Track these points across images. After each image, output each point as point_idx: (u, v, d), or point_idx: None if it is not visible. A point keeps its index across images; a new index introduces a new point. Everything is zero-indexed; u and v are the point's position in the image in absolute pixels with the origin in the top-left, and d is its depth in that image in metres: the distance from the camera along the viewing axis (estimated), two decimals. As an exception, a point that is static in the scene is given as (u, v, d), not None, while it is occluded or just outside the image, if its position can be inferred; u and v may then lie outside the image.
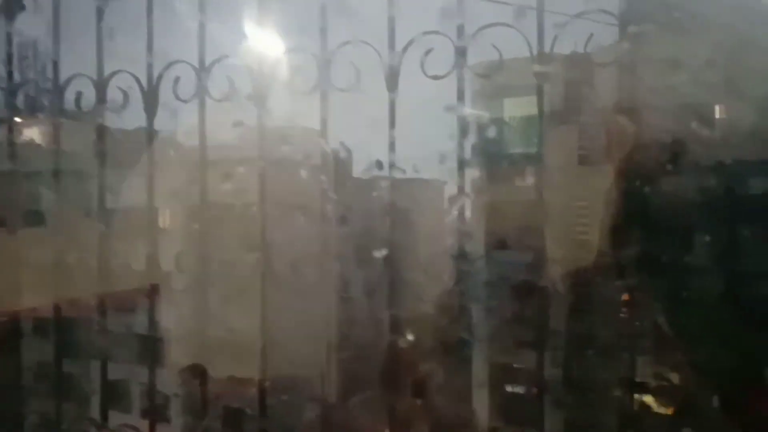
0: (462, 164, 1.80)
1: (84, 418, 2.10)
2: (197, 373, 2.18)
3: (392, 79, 1.62)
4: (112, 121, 2.13)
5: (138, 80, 1.82)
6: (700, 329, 2.34)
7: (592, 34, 1.57)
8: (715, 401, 2.19)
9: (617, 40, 2.20)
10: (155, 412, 2.04)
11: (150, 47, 1.81)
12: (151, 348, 2.02)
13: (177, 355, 2.76)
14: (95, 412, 2.20)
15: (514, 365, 5.16)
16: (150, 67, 1.80)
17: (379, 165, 2.76)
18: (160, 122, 2.01)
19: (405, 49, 1.60)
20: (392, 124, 1.68)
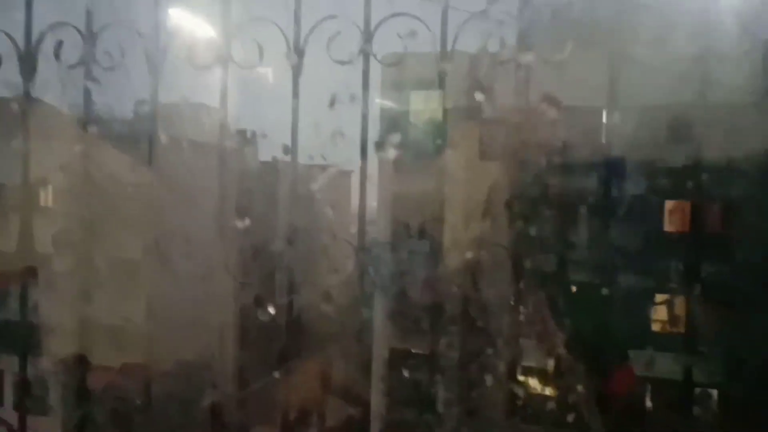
0: (365, 153, 1.81)
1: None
2: (78, 361, 2.04)
3: (297, 62, 1.59)
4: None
5: (14, 41, 1.64)
6: (576, 316, 2.54)
7: (490, 33, 1.64)
8: (589, 383, 2.40)
9: (516, 40, 2.30)
10: (25, 403, 1.88)
11: (29, 5, 1.64)
12: (23, 335, 1.85)
13: (55, 343, 2.56)
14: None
15: (413, 350, 5.32)
16: (28, 27, 1.63)
17: (286, 150, 2.70)
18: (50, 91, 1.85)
19: (311, 31, 1.58)
20: (296, 107, 1.66)
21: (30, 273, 1.99)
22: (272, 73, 1.96)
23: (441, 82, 1.83)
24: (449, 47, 1.70)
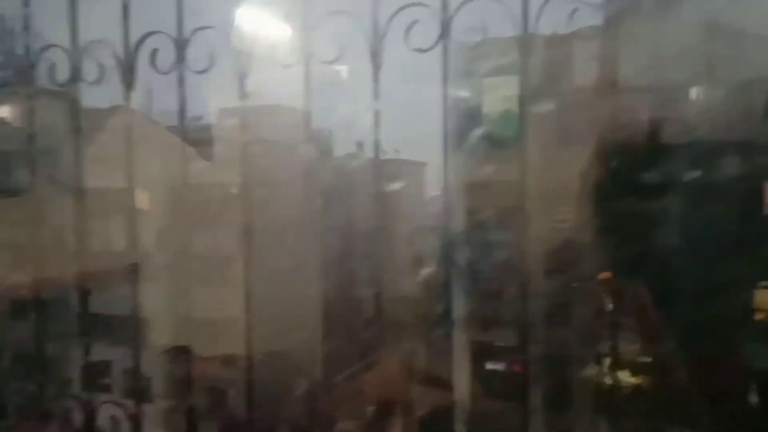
0: (447, 144, 1.79)
1: (67, 395, 2.06)
2: (180, 353, 2.16)
3: (377, 53, 1.60)
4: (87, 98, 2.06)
5: (115, 51, 1.76)
6: (675, 306, 2.40)
7: (575, 9, 1.56)
8: (690, 375, 2.26)
9: (599, 20, 2.20)
10: (139, 391, 2.03)
11: (126, 17, 1.75)
12: (133, 328, 1.99)
13: (158, 336, 2.73)
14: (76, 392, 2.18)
15: (495, 343, 5.24)
16: (127, 38, 1.75)
17: (360, 146, 2.73)
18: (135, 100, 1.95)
19: (389, 20, 1.58)
20: (376, 99, 1.66)
21: (134, 269, 2.13)
22: (348, 67, 1.98)
23: (521, 67, 1.77)
24: (530, 29, 1.64)
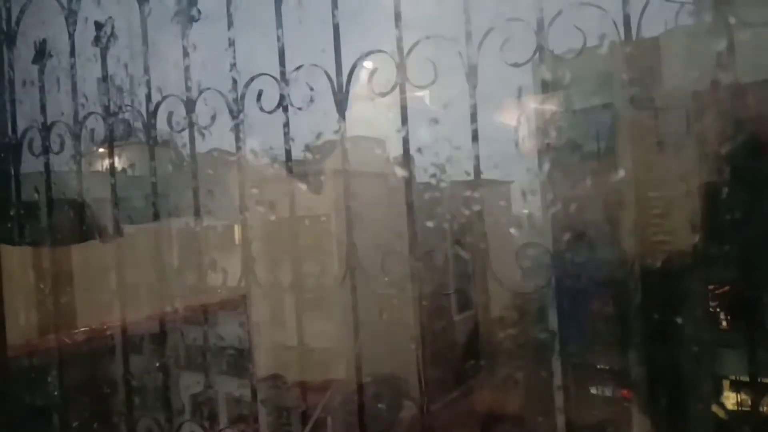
0: (543, 159, 1.76)
1: (186, 422, 2.17)
2: (283, 381, 2.22)
3: (472, 72, 1.60)
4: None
5: (225, 96, 1.88)
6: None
7: (682, 6, 1.49)
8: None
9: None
10: (254, 421, 2.09)
11: (234, 62, 1.87)
12: (246, 358, 2.07)
13: (263, 365, 2.82)
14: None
15: (597, 366, 4.96)
16: (235, 82, 1.87)
17: (442, 169, 2.77)
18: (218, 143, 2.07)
19: (483, 39, 1.58)
20: (474, 119, 1.66)
21: (243, 302, 2.23)
22: (429, 91, 1.99)
23: (630, 77, 1.71)
24: (630, 35, 1.59)
